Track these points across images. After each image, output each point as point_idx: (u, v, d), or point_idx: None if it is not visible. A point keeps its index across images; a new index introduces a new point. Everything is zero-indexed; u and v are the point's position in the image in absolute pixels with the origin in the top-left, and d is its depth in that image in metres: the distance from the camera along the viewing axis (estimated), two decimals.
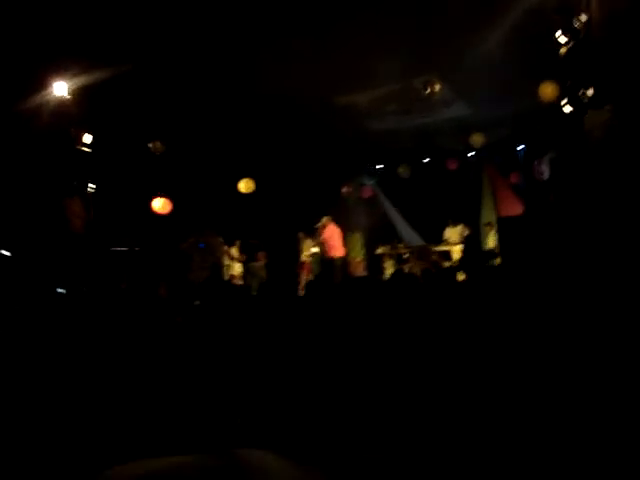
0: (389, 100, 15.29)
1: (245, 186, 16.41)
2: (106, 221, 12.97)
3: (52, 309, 8.12)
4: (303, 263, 16.06)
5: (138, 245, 14.36)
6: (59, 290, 10.80)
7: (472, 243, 15.76)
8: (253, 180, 16.40)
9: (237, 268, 16.20)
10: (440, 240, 16.53)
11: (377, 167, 18.57)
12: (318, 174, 16.96)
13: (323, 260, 15.26)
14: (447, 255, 15.77)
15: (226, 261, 16.08)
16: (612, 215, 7.86)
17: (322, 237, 14.55)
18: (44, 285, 11.20)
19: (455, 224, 16.29)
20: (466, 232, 16.05)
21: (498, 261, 13.58)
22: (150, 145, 14.03)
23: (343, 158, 16.88)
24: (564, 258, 8.91)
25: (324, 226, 14.47)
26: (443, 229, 16.59)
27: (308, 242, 16.10)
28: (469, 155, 16.79)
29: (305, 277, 15.62)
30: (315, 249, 15.75)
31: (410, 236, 17.63)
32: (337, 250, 14.65)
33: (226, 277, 15.78)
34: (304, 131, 15.03)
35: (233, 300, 8.46)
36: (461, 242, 15.93)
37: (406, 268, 16.52)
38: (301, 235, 16.21)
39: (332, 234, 14.56)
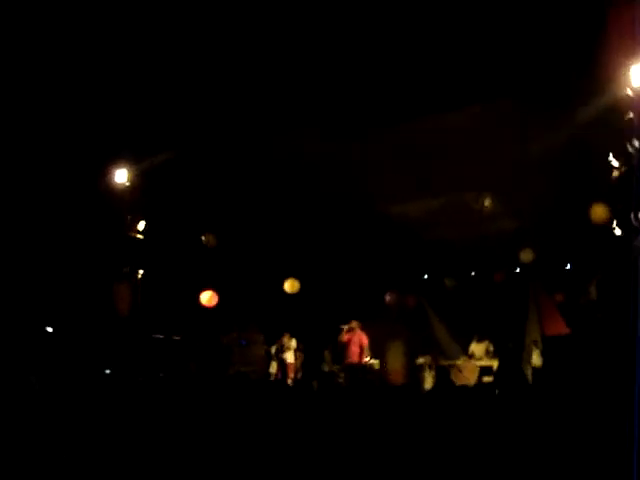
0: (440, 212, 15.45)
1: (290, 286, 16.52)
2: (152, 308, 13.13)
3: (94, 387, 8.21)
4: (289, 364, 15.80)
5: (179, 334, 14.45)
6: (106, 371, 10.96)
7: (512, 360, 15.50)
8: (298, 280, 16.52)
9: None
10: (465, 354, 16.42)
11: (424, 276, 18.50)
12: (364, 279, 16.99)
13: (347, 366, 14.99)
14: (489, 370, 15.46)
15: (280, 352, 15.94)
16: None
17: (343, 339, 14.43)
18: (86, 363, 11.34)
19: (481, 340, 16.11)
20: (491, 348, 15.86)
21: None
22: (203, 238, 14.34)
23: (390, 265, 16.93)
24: (611, 380, 8.65)
25: (350, 329, 14.36)
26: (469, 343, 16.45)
27: (292, 343, 15.92)
28: (516, 270, 16.66)
29: (290, 376, 15.53)
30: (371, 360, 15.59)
31: (452, 348, 17.35)
32: (354, 357, 14.46)
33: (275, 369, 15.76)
34: (355, 235, 15.20)
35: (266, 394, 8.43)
36: (487, 357, 15.75)
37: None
38: (287, 336, 16.00)
39: (355, 339, 14.39)
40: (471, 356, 16.14)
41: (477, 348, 16.07)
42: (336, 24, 9.95)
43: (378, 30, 10.02)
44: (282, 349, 15.91)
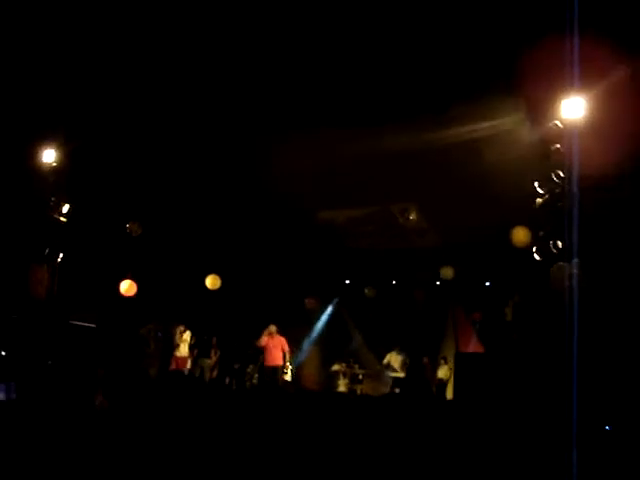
0: (366, 222, 15.65)
1: (211, 282, 16.44)
2: (70, 293, 12.81)
3: None
4: (179, 358, 15.41)
5: (96, 322, 14.18)
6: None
7: (419, 373, 15.93)
8: (220, 277, 16.45)
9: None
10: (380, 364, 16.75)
11: (345, 283, 18.67)
12: (286, 282, 17.05)
13: (262, 367, 15.02)
14: (402, 382, 15.77)
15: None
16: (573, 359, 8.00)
17: (261, 343, 14.48)
18: None
19: (400, 352, 16.34)
20: (407, 361, 16.16)
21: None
22: (128, 225, 14.13)
23: (313, 270, 17.03)
24: (524, 396, 9.00)
25: (269, 333, 14.41)
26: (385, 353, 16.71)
27: (186, 335, 15.50)
28: (436, 284, 16.98)
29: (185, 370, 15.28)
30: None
31: (367, 357, 17.60)
32: (274, 359, 14.53)
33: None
34: (280, 237, 15.23)
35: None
36: (403, 370, 16.06)
37: (358, 389, 16.47)
38: (181, 328, 15.52)
39: (271, 344, 14.46)
40: (387, 366, 16.39)
41: (395, 359, 16.30)
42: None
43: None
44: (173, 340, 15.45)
